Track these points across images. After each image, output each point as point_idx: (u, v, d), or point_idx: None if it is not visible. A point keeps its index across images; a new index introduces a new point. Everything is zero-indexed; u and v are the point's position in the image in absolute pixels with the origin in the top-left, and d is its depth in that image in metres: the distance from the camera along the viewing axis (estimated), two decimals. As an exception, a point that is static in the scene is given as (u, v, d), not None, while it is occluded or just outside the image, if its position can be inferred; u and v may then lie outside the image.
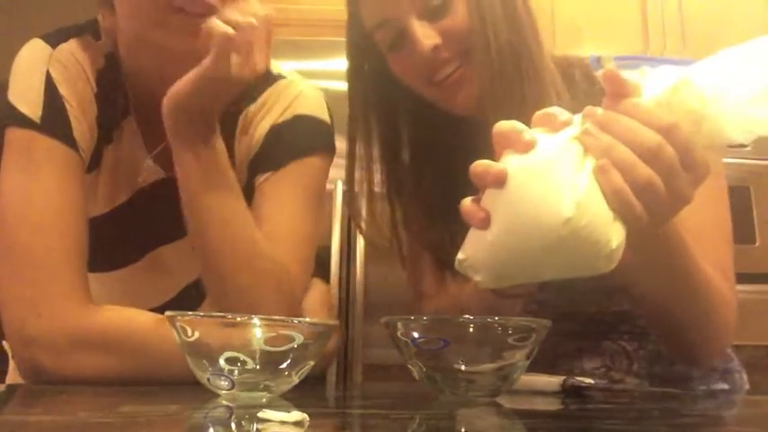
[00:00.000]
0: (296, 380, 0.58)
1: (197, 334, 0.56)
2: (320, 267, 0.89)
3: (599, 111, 0.53)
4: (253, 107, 0.88)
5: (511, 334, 0.61)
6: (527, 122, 0.55)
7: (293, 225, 0.82)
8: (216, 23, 0.69)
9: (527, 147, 0.52)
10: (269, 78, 0.88)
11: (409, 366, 0.64)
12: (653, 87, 0.54)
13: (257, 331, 0.56)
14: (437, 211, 0.89)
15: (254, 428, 0.45)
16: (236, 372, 0.55)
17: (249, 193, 0.82)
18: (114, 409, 0.53)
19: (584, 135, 0.52)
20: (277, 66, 0.91)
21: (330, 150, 0.90)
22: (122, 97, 0.85)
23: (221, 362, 0.54)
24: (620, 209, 0.51)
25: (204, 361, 0.55)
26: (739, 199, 0.83)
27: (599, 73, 0.54)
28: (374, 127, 0.91)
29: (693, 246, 0.70)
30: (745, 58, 0.53)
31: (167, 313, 0.57)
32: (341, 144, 0.92)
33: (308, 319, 0.72)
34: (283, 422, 0.44)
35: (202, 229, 0.75)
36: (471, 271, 0.55)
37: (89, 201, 0.82)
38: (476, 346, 0.61)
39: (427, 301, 0.92)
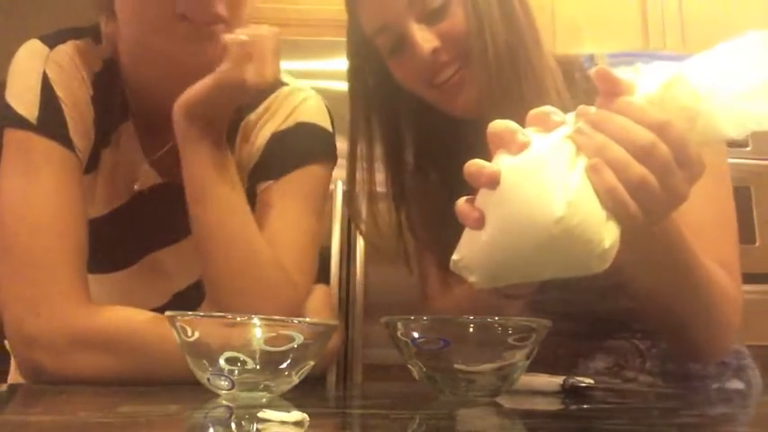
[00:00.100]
0: (296, 380, 0.58)
1: (197, 334, 0.56)
2: (320, 268, 0.89)
3: (592, 110, 0.53)
4: (254, 115, 0.88)
5: (511, 334, 0.61)
6: (526, 123, 0.55)
7: (296, 234, 0.82)
8: (230, 35, 0.73)
9: (521, 147, 0.52)
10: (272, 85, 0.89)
11: (409, 366, 0.64)
12: (646, 85, 0.53)
13: (257, 331, 0.56)
14: (441, 213, 0.89)
15: (254, 428, 0.45)
16: (236, 372, 0.55)
17: (250, 200, 0.82)
18: (114, 409, 0.53)
19: (576, 134, 0.52)
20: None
21: (331, 158, 0.90)
22: (120, 101, 0.85)
23: (221, 362, 0.54)
24: (614, 208, 0.51)
25: (204, 361, 0.55)
26: (739, 199, 0.83)
27: (591, 72, 0.54)
28: (376, 128, 0.91)
29: (694, 242, 0.70)
30: (738, 54, 0.53)
31: (167, 313, 0.57)
32: (341, 144, 0.92)
33: (307, 319, 0.72)
34: (283, 422, 0.44)
35: (208, 230, 0.75)
36: (466, 271, 0.55)
37: (88, 202, 0.82)
38: (476, 346, 0.61)
39: (432, 303, 0.93)
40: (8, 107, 0.78)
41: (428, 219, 0.92)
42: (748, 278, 0.80)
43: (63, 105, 0.79)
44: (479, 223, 0.53)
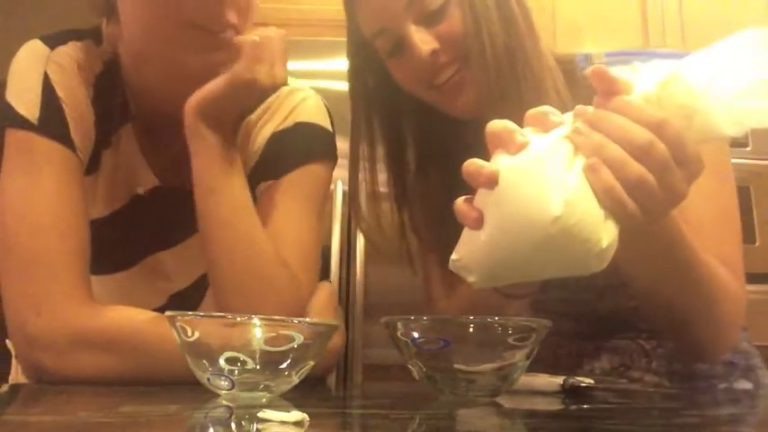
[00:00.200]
0: (296, 380, 0.58)
1: (197, 334, 0.56)
2: (321, 267, 0.89)
3: (590, 109, 0.53)
4: (253, 115, 0.89)
5: (511, 334, 0.61)
6: (523, 123, 0.55)
7: (298, 233, 0.82)
8: (243, 36, 0.75)
9: (519, 147, 0.52)
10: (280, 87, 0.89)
11: (409, 366, 0.64)
12: (643, 83, 0.53)
13: (257, 331, 0.56)
14: (442, 213, 0.89)
15: (254, 428, 0.45)
16: (236, 372, 0.55)
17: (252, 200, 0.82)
18: (114, 409, 0.53)
19: (574, 134, 0.52)
20: None
21: (331, 158, 0.90)
22: (121, 104, 0.85)
23: (221, 362, 0.55)
24: (612, 207, 0.51)
25: (204, 361, 0.55)
26: (739, 199, 0.83)
27: (587, 71, 0.54)
28: (377, 129, 0.91)
29: (696, 240, 0.70)
30: (735, 51, 0.53)
31: (167, 313, 0.57)
32: (342, 145, 0.92)
33: (307, 319, 0.72)
34: (283, 422, 0.44)
35: (216, 227, 0.76)
36: (464, 271, 0.55)
37: (89, 203, 0.82)
38: (476, 346, 0.61)
39: (437, 304, 0.92)
40: (9, 107, 0.78)
41: (430, 219, 0.92)
42: (748, 278, 0.80)
43: (64, 106, 0.79)
44: (478, 223, 0.53)
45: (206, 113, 0.75)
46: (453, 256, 0.56)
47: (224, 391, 0.56)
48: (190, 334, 0.56)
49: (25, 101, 0.78)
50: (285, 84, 0.79)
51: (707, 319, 0.76)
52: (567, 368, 0.85)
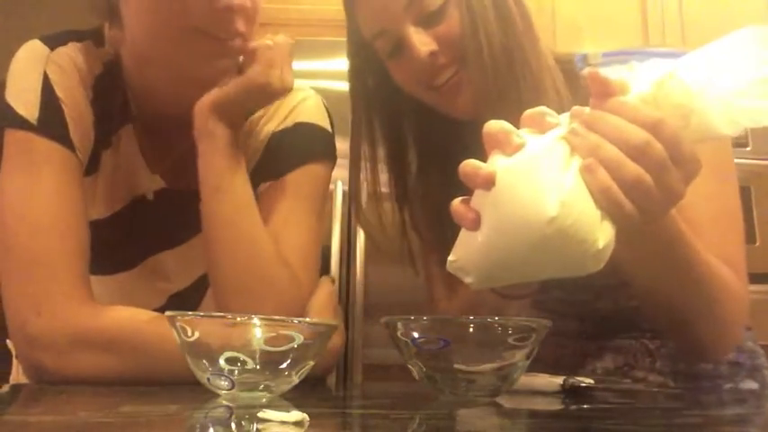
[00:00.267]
0: (296, 380, 0.58)
1: (197, 334, 0.56)
2: (321, 267, 0.89)
3: (586, 110, 0.53)
4: (254, 115, 0.89)
5: (511, 334, 0.61)
6: (520, 124, 0.55)
7: (298, 233, 0.82)
8: (258, 41, 0.77)
9: (515, 148, 0.52)
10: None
11: (409, 366, 0.64)
12: (640, 83, 0.53)
13: (257, 331, 0.56)
14: (444, 214, 0.89)
15: (254, 428, 0.45)
16: (236, 372, 0.55)
17: None
18: (114, 409, 0.53)
19: (570, 135, 0.52)
20: None
21: (331, 158, 0.91)
22: (121, 105, 0.85)
23: (221, 362, 0.55)
24: (609, 207, 0.51)
25: (204, 361, 0.55)
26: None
27: (583, 73, 0.54)
28: (378, 129, 0.91)
29: (697, 239, 0.70)
30: (732, 50, 0.52)
31: (167, 313, 0.57)
32: (342, 145, 0.92)
33: (307, 320, 0.72)
34: (283, 422, 0.44)
35: (219, 226, 0.76)
36: (462, 272, 0.55)
37: (89, 204, 0.82)
38: (476, 346, 0.61)
39: (439, 305, 0.92)
40: (8, 107, 0.78)
41: (431, 219, 0.92)
42: (749, 278, 0.80)
43: (63, 106, 0.79)
44: (475, 224, 0.53)
45: (219, 115, 0.77)
46: (450, 257, 0.56)
47: (224, 391, 0.56)
48: (190, 334, 0.56)
49: (24, 101, 0.78)
50: (292, 88, 0.81)
51: (708, 319, 0.76)
52: (570, 368, 0.85)
